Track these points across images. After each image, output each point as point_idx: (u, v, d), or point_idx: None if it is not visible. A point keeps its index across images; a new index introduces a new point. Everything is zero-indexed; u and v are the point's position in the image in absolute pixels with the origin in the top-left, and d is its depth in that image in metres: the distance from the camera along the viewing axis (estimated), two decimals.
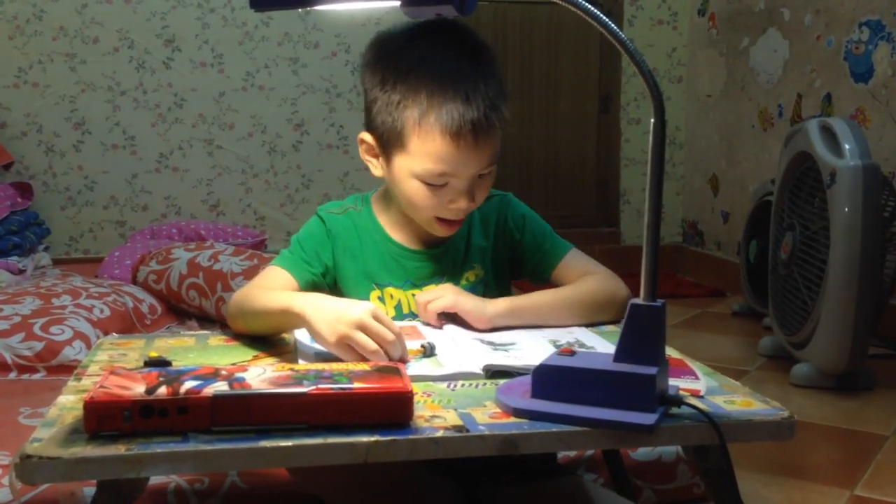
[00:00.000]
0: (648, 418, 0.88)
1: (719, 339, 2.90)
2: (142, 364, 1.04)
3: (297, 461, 0.85)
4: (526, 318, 1.24)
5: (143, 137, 3.53)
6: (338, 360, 1.05)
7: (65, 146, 3.46)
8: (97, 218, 3.53)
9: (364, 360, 1.04)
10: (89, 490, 1.28)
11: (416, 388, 0.95)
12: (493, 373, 1.05)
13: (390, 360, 1.04)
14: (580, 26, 3.89)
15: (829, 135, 2.32)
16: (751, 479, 1.72)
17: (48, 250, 3.17)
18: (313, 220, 1.34)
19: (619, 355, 0.94)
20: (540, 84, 3.97)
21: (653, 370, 0.90)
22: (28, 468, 0.79)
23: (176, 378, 0.88)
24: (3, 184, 3.11)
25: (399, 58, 1.21)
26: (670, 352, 1.10)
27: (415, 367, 1.05)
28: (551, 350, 1.15)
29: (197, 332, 1.32)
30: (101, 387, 0.86)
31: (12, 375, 1.88)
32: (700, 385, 1.02)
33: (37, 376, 1.88)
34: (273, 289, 1.23)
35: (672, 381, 0.99)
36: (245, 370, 0.92)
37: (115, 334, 1.48)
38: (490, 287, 1.35)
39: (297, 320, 1.11)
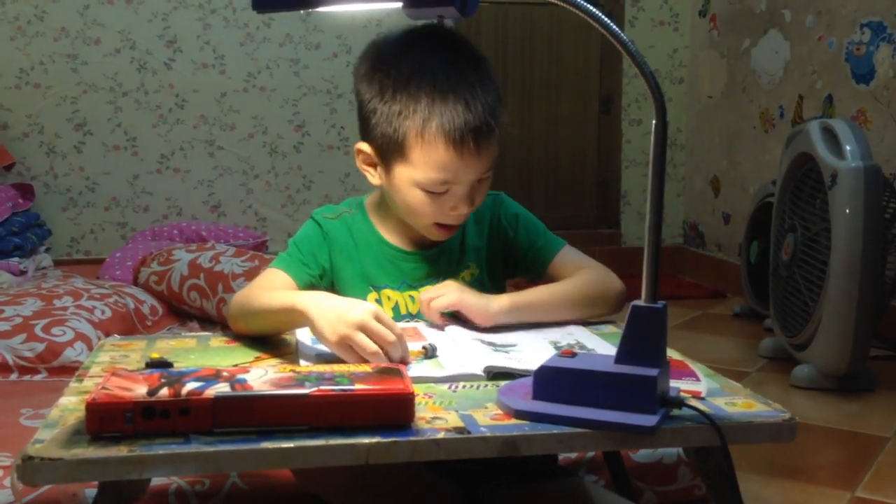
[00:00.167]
0: (649, 420, 0.88)
1: (720, 340, 2.90)
2: (143, 365, 1.04)
3: (298, 462, 0.85)
4: (527, 313, 1.25)
5: (144, 138, 3.53)
6: (339, 361, 1.05)
7: (66, 147, 3.46)
8: (98, 219, 3.53)
9: (365, 361, 1.04)
10: (91, 491, 1.28)
11: (418, 389, 0.95)
12: (495, 374, 1.05)
13: (391, 361, 1.04)
14: (581, 27, 3.89)
15: (831, 136, 2.32)
16: (752, 481, 1.72)
17: (49, 251, 3.18)
18: (309, 224, 1.35)
19: (621, 357, 0.94)
20: (541, 85, 3.97)
21: (654, 372, 0.90)
22: (29, 469, 0.79)
23: (178, 379, 0.88)
24: (4, 185, 3.12)
25: (397, 67, 1.21)
26: (671, 353, 1.10)
27: (416, 369, 1.06)
28: (552, 351, 1.15)
29: (198, 334, 1.32)
30: (103, 388, 0.86)
31: (13, 376, 1.88)
32: (701, 387, 1.02)
33: (38, 377, 1.88)
34: (275, 289, 1.24)
35: (673, 383, 0.99)
36: (247, 371, 0.92)
37: (116, 336, 1.49)
38: (485, 286, 1.35)
39: (301, 318, 1.11)
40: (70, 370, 1.81)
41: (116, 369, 0.95)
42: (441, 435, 0.86)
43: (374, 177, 1.29)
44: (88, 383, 1.03)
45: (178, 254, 2.42)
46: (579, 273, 1.33)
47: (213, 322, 2.31)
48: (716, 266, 3.80)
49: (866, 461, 1.86)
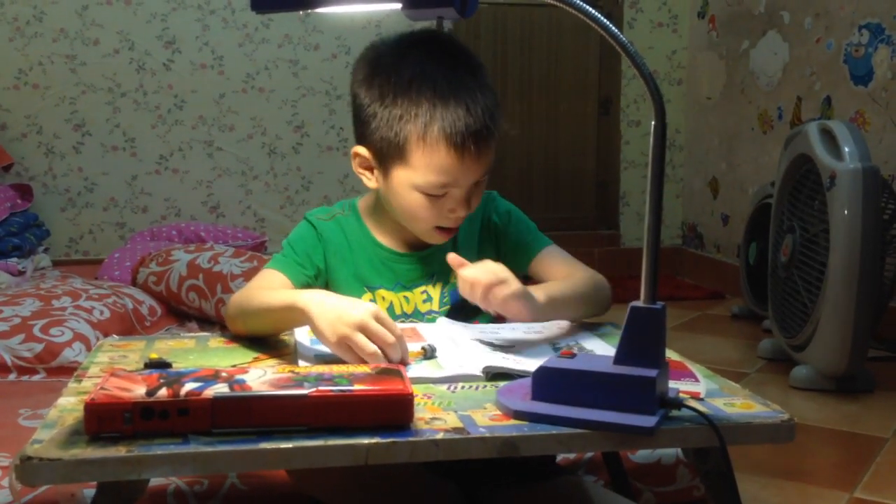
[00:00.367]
0: (648, 421, 0.88)
1: (719, 341, 2.90)
2: (142, 366, 1.04)
3: (297, 463, 0.85)
4: (555, 307, 1.22)
5: (143, 139, 3.53)
6: (338, 361, 1.05)
7: (65, 148, 3.46)
8: (97, 219, 3.53)
9: (364, 361, 1.04)
10: (89, 491, 1.28)
11: (417, 389, 0.95)
12: (493, 375, 1.05)
13: (390, 362, 1.04)
14: (580, 29, 3.90)
15: (829, 137, 2.33)
16: (750, 482, 1.73)
17: (48, 252, 3.17)
18: (303, 225, 1.35)
19: (620, 358, 0.94)
20: (540, 86, 3.97)
21: (653, 373, 0.90)
22: (28, 470, 0.79)
23: (176, 380, 0.88)
24: (2, 185, 3.11)
25: (397, 72, 1.21)
26: (670, 354, 1.10)
27: (415, 369, 1.06)
28: (551, 352, 1.15)
29: (197, 334, 1.32)
30: (102, 388, 0.86)
31: (12, 377, 1.88)
32: (700, 387, 1.02)
33: (37, 378, 1.88)
34: (273, 288, 1.24)
35: (672, 384, 0.99)
36: (245, 372, 0.92)
37: (115, 336, 1.49)
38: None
39: (301, 317, 1.11)
40: (69, 370, 1.81)
41: (115, 370, 0.95)
42: (440, 435, 0.86)
43: (370, 180, 1.30)
44: (87, 384, 1.03)
45: (176, 254, 2.42)
46: (575, 274, 1.32)
47: (212, 322, 2.31)
48: (714, 267, 3.81)
49: (865, 462, 1.86)
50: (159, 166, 3.56)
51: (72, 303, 2.10)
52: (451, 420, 0.90)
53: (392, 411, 0.87)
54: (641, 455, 1.54)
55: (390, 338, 1.05)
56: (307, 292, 1.15)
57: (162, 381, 0.88)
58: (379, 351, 1.04)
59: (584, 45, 3.98)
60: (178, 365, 1.06)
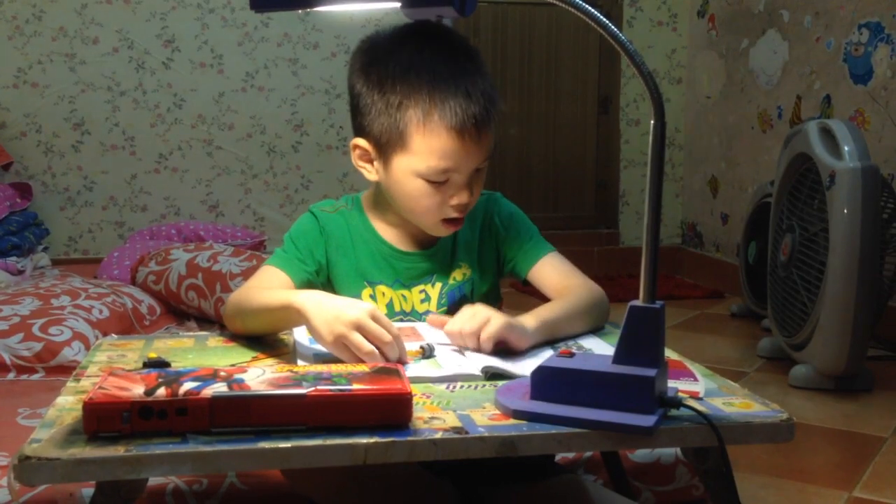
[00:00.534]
0: (647, 420, 0.88)
1: (718, 340, 2.90)
2: (141, 365, 1.04)
3: (296, 462, 0.85)
4: (551, 330, 1.21)
5: (142, 138, 3.53)
6: (337, 361, 1.05)
7: (64, 146, 3.46)
8: (96, 218, 3.52)
9: (362, 361, 1.04)
10: (88, 491, 1.28)
11: (415, 389, 0.95)
12: (492, 374, 1.05)
13: (388, 361, 1.04)
14: (579, 28, 3.89)
15: (829, 136, 2.33)
16: (749, 481, 1.72)
17: (47, 251, 3.17)
18: (306, 217, 1.35)
19: (618, 357, 0.94)
20: (539, 85, 3.97)
21: (652, 372, 0.90)
22: (27, 469, 0.79)
23: (175, 379, 0.88)
24: (2, 184, 3.11)
25: (395, 60, 1.22)
26: (669, 353, 1.10)
27: (414, 369, 1.05)
28: (549, 352, 1.15)
29: (196, 333, 1.32)
30: (100, 388, 0.86)
31: (11, 376, 1.88)
32: (699, 387, 1.02)
33: (35, 377, 1.88)
34: (271, 288, 1.24)
35: (671, 383, 0.99)
36: (244, 371, 0.92)
37: (114, 335, 1.49)
38: (476, 286, 1.35)
39: (298, 317, 1.11)
40: (67, 369, 1.81)
41: (114, 369, 0.95)
42: (439, 435, 0.86)
43: (370, 173, 1.29)
44: (86, 383, 1.03)
45: (175, 253, 2.42)
46: (574, 290, 1.30)
47: (211, 321, 2.31)
48: (714, 266, 3.81)
49: (864, 461, 1.86)
50: (158, 165, 3.56)
51: (71, 302, 2.09)
52: (450, 419, 0.90)
53: (391, 411, 0.87)
54: (640, 454, 1.54)
55: (387, 337, 1.04)
56: (304, 292, 1.15)
57: (160, 380, 0.88)
58: (376, 350, 1.04)
59: (583, 44, 3.98)
60: (177, 364, 1.06)
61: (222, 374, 0.91)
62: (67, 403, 0.94)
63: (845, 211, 2.21)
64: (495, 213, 1.37)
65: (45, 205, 3.42)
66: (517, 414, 0.91)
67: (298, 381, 0.89)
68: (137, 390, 0.85)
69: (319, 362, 1.06)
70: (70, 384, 1.02)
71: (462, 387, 1.02)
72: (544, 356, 1.07)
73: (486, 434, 0.87)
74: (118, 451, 0.80)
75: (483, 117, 1.21)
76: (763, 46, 3.45)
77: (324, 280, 1.32)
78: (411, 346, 1.12)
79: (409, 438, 0.85)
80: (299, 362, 1.08)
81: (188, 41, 3.53)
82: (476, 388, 1.02)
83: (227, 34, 3.56)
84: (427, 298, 1.32)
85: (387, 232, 1.34)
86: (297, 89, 3.65)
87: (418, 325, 1.26)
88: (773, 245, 2.60)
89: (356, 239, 1.33)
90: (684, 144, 4.09)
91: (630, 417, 0.89)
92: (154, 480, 1.32)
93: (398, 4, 1.04)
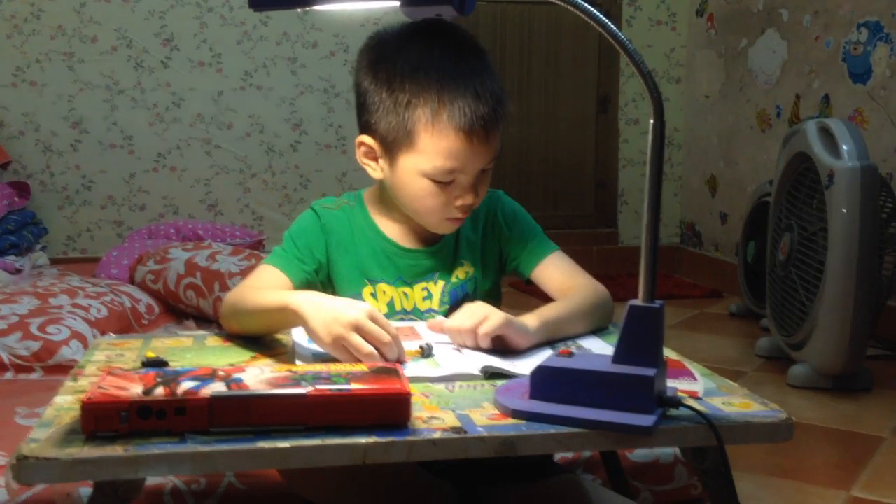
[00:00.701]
0: (647, 420, 0.88)
1: (717, 339, 2.90)
2: (139, 364, 1.04)
3: (294, 462, 0.85)
4: (553, 330, 1.20)
5: (140, 137, 3.52)
6: (335, 360, 1.05)
7: (62, 145, 3.45)
8: (95, 217, 3.52)
9: (360, 361, 1.03)
10: (86, 490, 1.28)
11: (415, 389, 0.95)
12: (492, 374, 1.05)
13: (387, 361, 1.04)
14: (579, 27, 3.89)
15: (828, 136, 2.33)
16: (748, 480, 1.72)
17: (45, 250, 3.17)
18: (307, 214, 1.34)
19: (618, 357, 0.94)
20: (538, 85, 3.97)
21: (651, 372, 0.90)
22: (24, 469, 0.79)
23: (173, 379, 0.88)
24: (0, 183, 3.11)
25: (403, 58, 1.21)
26: (668, 353, 1.10)
27: (413, 368, 1.05)
28: (549, 352, 1.15)
29: (194, 333, 1.32)
30: (99, 387, 0.86)
31: (9, 375, 1.87)
32: (698, 386, 1.02)
33: (34, 376, 1.88)
34: (268, 288, 1.23)
35: (670, 383, 0.99)
36: (243, 371, 0.92)
37: (112, 334, 1.48)
38: (479, 285, 1.35)
39: (295, 318, 1.10)
40: (66, 369, 1.81)
41: (112, 368, 0.95)
42: (438, 435, 0.86)
43: (375, 170, 1.29)
44: (84, 382, 1.03)
45: (174, 252, 2.42)
46: (577, 290, 1.30)
47: (210, 321, 2.31)
48: (713, 265, 3.81)
49: (863, 461, 1.86)
50: (157, 164, 3.56)
51: (69, 301, 2.09)
52: (449, 419, 0.90)
53: (390, 410, 0.87)
54: (639, 454, 1.54)
55: (386, 337, 1.04)
56: (301, 293, 1.15)
57: (159, 380, 0.88)
58: (375, 351, 1.04)
59: (582, 43, 3.98)
60: (176, 363, 1.05)
61: (221, 373, 0.91)
62: (65, 403, 0.94)
63: (844, 210, 2.21)
64: (499, 212, 1.37)
65: (44, 204, 3.42)
66: (516, 414, 0.91)
67: (297, 380, 0.89)
68: (136, 390, 0.85)
69: (318, 362, 1.06)
70: (68, 384, 1.02)
71: (461, 386, 1.02)
72: (544, 356, 1.07)
73: (486, 434, 0.87)
74: (116, 450, 0.80)
75: (491, 118, 1.21)
76: (762, 46, 3.45)
77: (324, 278, 1.31)
78: (410, 346, 1.12)
79: (408, 438, 0.85)
80: (298, 362, 1.08)
81: (187, 40, 3.53)
82: (475, 387, 1.02)
83: (226, 33, 3.56)
84: (429, 296, 1.32)
85: (389, 229, 1.33)
86: (295, 88, 3.65)
87: (417, 325, 1.25)
88: (772, 244, 2.60)
89: (358, 236, 1.32)
90: (683, 144, 4.09)
91: (629, 417, 0.89)
92: (152, 480, 1.32)
93: (397, 3, 1.03)
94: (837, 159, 2.25)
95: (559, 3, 0.93)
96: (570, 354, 0.98)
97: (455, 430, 0.87)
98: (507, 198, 1.40)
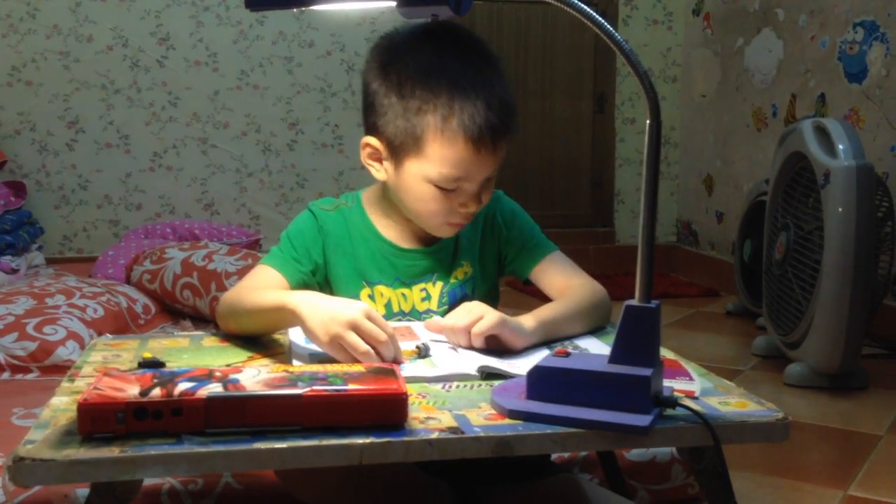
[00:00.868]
0: (643, 420, 0.88)
1: (713, 338, 2.91)
2: (136, 365, 1.04)
3: (291, 463, 0.84)
4: (550, 330, 1.20)
5: (136, 136, 3.52)
6: (333, 361, 1.05)
7: (58, 145, 3.45)
8: (91, 217, 3.52)
9: (357, 361, 1.03)
10: (83, 491, 1.28)
11: (411, 389, 0.95)
12: (488, 374, 1.05)
13: (383, 361, 1.04)
14: (575, 26, 3.89)
15: (823, 135, 2.33)
16: (745, 479, 1.73)
17: (41, 249, 3.17)
18: (304, 216, 1.33)
19: (614, 357, 0.94)
20: (534, 84, 3.97)
21: (647, 371, 0.90)
22: (21, 470, 0.79)
23: (170, 380, 0.88)
24: None
25: (415, 62, 1.20)
26: (665, 352, 1.10)
27: (409, 369, 1.05)
28: (545, 352, 1.15)
29: (191, 333, 1.32)
30: (95, 388, 0.86)
31: (5, 375, 1.87)
32: (694, 386, 1.02)
33: (30, 376, 1.88)
34: (265, 288, 1.23)
35: (667, 383, 0.99)
36: (239, 371, 0.92)
37: (108, 335, 1.48)
38: (478, 285, 1.35)
39: (292, 318, 1.10)
40: (62, 369, 1.81)
41: (108, 369, 0.95)
42: (434, 435, 0.86)
43: (379, 172, 1.28)
44: (80, 383, 1.03)
45: (171, 252, 2.42)
46: (575, 290, 1.30)
47: (207, 320, 2.30)
48: (709, 264, 3.81)
49: (859, 459, 1.86)
50: (153, 163, 3.55)
51: (65, 301, 2.09)
52: (446, 419, 0.90)
53: (386, 411, 0.87)
54: (636, 453, 1.54)
55: (382, 336, 1.04)
56: (298, 293, 1.14)
57: (155, 380, 0.88)
58: (371, 350, 1.04)
59: (578, 43, 3.98)
60: (172, 364, 1.05)
61: (217, 374, 0.91)
62: (62, 404, 0.94)
63: (840, 209, 2.21)
64: (497, 212, 1.37)
65: (40, 203, 3.41)
66: (513, 414, 0.91)
67: (294, 381, 0.89)
68: (132, 391, 0.85)
69: (315, 362, 1.06)
70: (65, 384, 1.02)
71: (458, 386, 1.02)
72: (540, 356, 1.07)
73: (482, 434, 0.87)
74: (113, 451, 0.80)
75: (501, 129, 1.20)
76: (758, 45, 3.46)
77: (321, 280, 1.31)
78: (407, 346, 1.12)
79: (405, 439, 0.85)
80: (295, 362, 1.08)
81: (183, 39, 3.52)
82: (472, 387, 1.02)
83: (222, 32, 3.55)
84: (428, 297, 1.32)
85: (388, 230, 1.33)
86: (292, 87, 3.65)
87: (414, 325, 1.25)
88: (768, 243, 2.60)
89: (356, 238, 1.32)
90: (679, 143, 4.10)
91: (626, 417, 0.89)
92: (149, 480, 1.32)
93: (393, 3, 1.03)
94: (833, 159, 2.25)
95: (555, 3, 0.93)
96: (567, 354, 0.99)
97: (452, 430, 0.87)
98: (507, 198, 1.39)
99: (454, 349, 1.13)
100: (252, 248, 3.01)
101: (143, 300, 2.33)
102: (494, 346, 1.13)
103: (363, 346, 1.03)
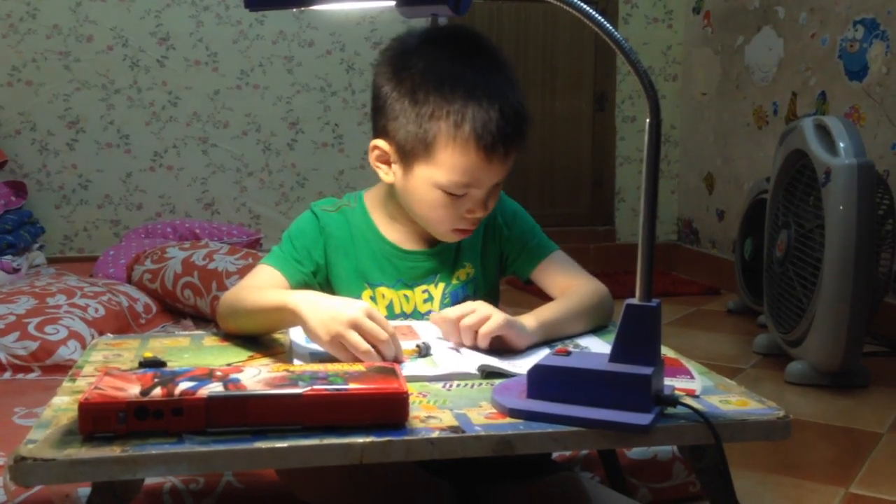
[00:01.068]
0: (644, 418, 0.88)
1: (714, 337, 2.91)
2: (137, 365, 1.04)
3: (292, 462, 0.85)
4: (551, 330, 1.20)
5: (137, 136, 3.52)
6: (333, 360, 1.05)
7: (59, 145, 3.45)
8: (91, 217, 3.52)
9: (358, 360, 1.03)
10: (84, 491, 1.28)
11: (412, 388, 0.95)
12: (489, 373, 1.05)
13: (384, 359, 1.04)
14: (575, 25, 3.89)
15: (824, 133, 2.33)
16: (746, 477, 1.73)
17: (42, 249, 3.17)
18: (306, 216, 1.33)
19: (615, 355, 0.94)
20: (535, 83, 3.97)
21: (648, 370, 0.90)
22: (22, 470, 0.79)
23: (171, 379, 0.88)
24: None
25: (430, 68, 1.20)
26: (665, 351, 1.10)
27: (410, 368, 1.05)
28: (546, 351, 1.15)
29: (192, 332, 1.32)
30: (96, 388, 0.86)
31: (7, 375, 1.87)
32: (695, 384, 1.02)
33: (31, 376, 1.88)
34: (266, 288, 1.23)
35: (667, 381, 0.99)
36: (240, 371, 0.92)
37: (109, 335, 1.48)
38: (479, 286, 1.35)
39: (292, 318, 1.10)
40: (63, 369, 1.81)
41: (110, 369, 0.95)
42: (435, 434, 0.86)
43: (387, 174, 1.28)
44: (81, 383, 1.03)
45: (171, 251, 2.42)
46: (576, 289, 1.30)
47: (207, 320, 2.30)
48: (710, 263, 3.81)
49: (860, 457, 1.86)
50: (154, 163, 3.55)
51: (66, 300, 2.09)
52: (447, 418, 0.90)
53: (387, 410, 0.87)
54: (637, 451, 1.54)
55: (383, 335, 1.04)
56: (298, 293, 1.15)
57: (156, 380, 0.88)
58: (372, 349, 1.04)
59: (578, 41, 3.98)
60: (173, 364, 1.05)
61: (218, 373, 0.91)
62: (63, 403, 0.94)
63: (841, 207, 2.21)
64: (498, 212, 1.36)
65: (40, 203, 3.42)
66: (514, 413, 0.91)
67: (294, 380, 0.89)
68: (133, 390, 0.85)
69: (316, 362, 1.06)
70: (66, 384, 1.02)
71: (459, 385, 1.02)
72: (541, 355, 1.07)
73: (483, 433, 0.87)
74: (114, 451, 0.80)
75: (513, 138, 1.21)
76: (758, 43, 3.45)
77: (322, 281, 1.31)
78: (407, 345, 1.12)
79: (406, 438, 0.85)
80: (295, 361, 1.08)
81: (183, 39, 3.52)
82: (473, 386, 1.02)
83: (222, 32, 3.55)
84: (430, 298, 1.32)
85: (390, 231, 1.33)
86: (292, 87, 3.64)
87: (415, 324, 1.25)
88: (769, 241, 2.60)
89: (358, 238, 1.32)
90: (680, 141, 4.10)
91: (627, 416, 0.89)
92: (151, 480, 1.32)
93: (393, 3, 1.03)
94: (834, 156, 2.25)
95: (555, 1, 0.93)
96: (568, 353, 0.99)
97: (453, 429, 0.87)
98: (507, 198, 1.39)
99: (456, 349, 1.13)
100: (252, 247, 3.01)
101: (144, 299, 2.33)
102: (496, 345, 1.13)
103: (364, 346, 1.03)
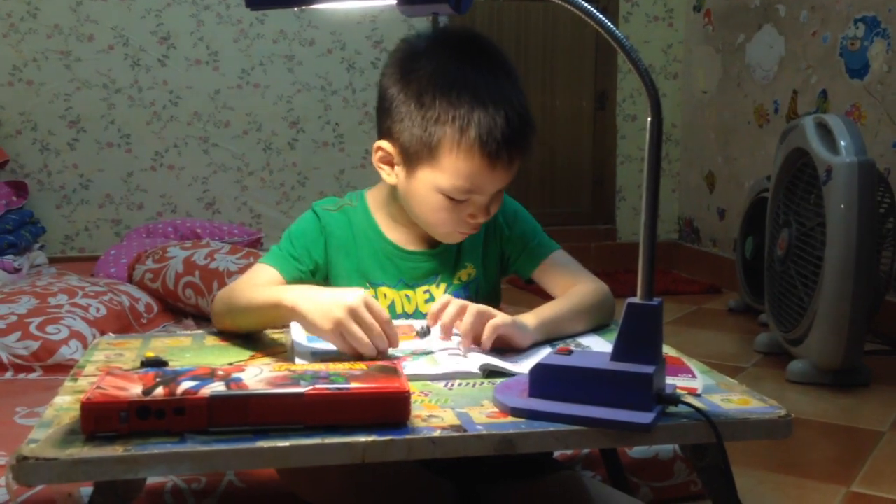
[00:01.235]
0: (645, 417, 0.88)
1: (715, 335, 2.91)
2: (138, 364, 1.04)
3: (294, 461, 0.85)
4: (551, 329, 1.20)
5: (138, 135, 3.52)
6: (335, 359, 1.05)
7: (60, 144, 3.45)
8: (93, 216, 3.52)
9: (356, 350, 1.04)
10: (86, 490, 1.28)
11: (414, 387, 0.95)
12: (490, 372, 1.05)
13: (378, 350, 1.05)
14: (575, 23, 3.89)
15: (825, 131, 2.33)
16: (747, 476, 1.73)
17: (44, 249, 3.17)
18: (307, 216, 1.34)
19: (616, 354, 0.94)
20: (536, 81, 3.97)
21: (650, 369, 0.90)
22: (24, 469, 0.79)
23: (173, 379, 0.88)
24: None
25: (438, 72, 1.20)
26: (667, 350, 1.10)
27: (412, 367, 1.05)
28: (548, 350, 1.15)
29: (193, 332, 1.32)
30: (98, 387, 0.86)
31: (8, 375, 1.87)
32: (697, 383, 1.02)
33: (33, 376, 1.88)
34: (261, 285, 1.23)
35: (669, 380, 0.99)
36: (242, 370, 0.92)
37: (111, 334, 1.48)
38: (481, 287, 1.35)
39: (289, 314, 1.11)
40: (65, 368, 1.81)
41: (111, 368, 0.95)
42: (437, 433, 0.86)
43: (389, 175, 1.28)
44: (83, 382, 1.03)
45: (172, 251, 2.42)
46: (577, 288, 1.30)
47: (209, 319, 2.30)
48: (711, 261, 3.81)
49: (862, 456, 1.86)
50: (155, 163, 3.55)
51: (68, 300, 2.09)
52: (449, 417, 0.90)
53: (389, 409, 0.87)
54: (639, 450, 1.54)
55: (376, 328, 1.05)
56: (293, 288, 1.15)
57: (158, 380, 0.88)
58: (370, 342, 1.05)
59: (579, 40, 3.98)
60: (175, 363, 1.05)
61: (220, 373, 0.91)
62: (65, 403, 0.94)
63: (842, 206, 2.21)
64: (499, 212, 1.36)
65: (41, 203, 3.42)
66: (515, 412, 0.91)
67: (296, 379, 0.89)
68: (135, 390, 0.85)
69: (317, 361, 1.06)
70: (68, 384, 1.02)
71: (460, 384, 1.02)
72: (542, 354, 1.07)
73: (485, 432, 0.87)
74: (116, 451, 0.80)
75: (518, 145, 1.21)
76: (759, 41, 3.45)
77: (321, 280, 1.31)
78: (409, 332, 1.13)
79: (408, 437, 0.85)
80: (297, 361, 1.08)
81: (184, 38, 3.52)
82: (474, 385, 1.02)
83: (223, 31, 3.55)
84: (431, 299, 1.32)
85: (392, 231, 1.33)
86: (293, 86, 3.64)
87: (416, 324, 1.25)
88: (770, 240, 2.60)
89: (359, 238, 1.32)
90: (681, 140, 4.09)
91: (628, 415, 0.89)
92: (153, 479, 1.32)
93: (394, 1, 1.03)
94: (835, 155, 2.25)
95: (556, 0, 0.93)
96: (569, 352, 0.99)
97: (454, 428, 0.87)
98: (509, 198, 1.39)
99: (458, 350, 1.14)
100: (253, 246, 3.01)
101: (146, 299, 2.33)
102: (498, 344, 1.13)
103: (364, 338, 1.04)
